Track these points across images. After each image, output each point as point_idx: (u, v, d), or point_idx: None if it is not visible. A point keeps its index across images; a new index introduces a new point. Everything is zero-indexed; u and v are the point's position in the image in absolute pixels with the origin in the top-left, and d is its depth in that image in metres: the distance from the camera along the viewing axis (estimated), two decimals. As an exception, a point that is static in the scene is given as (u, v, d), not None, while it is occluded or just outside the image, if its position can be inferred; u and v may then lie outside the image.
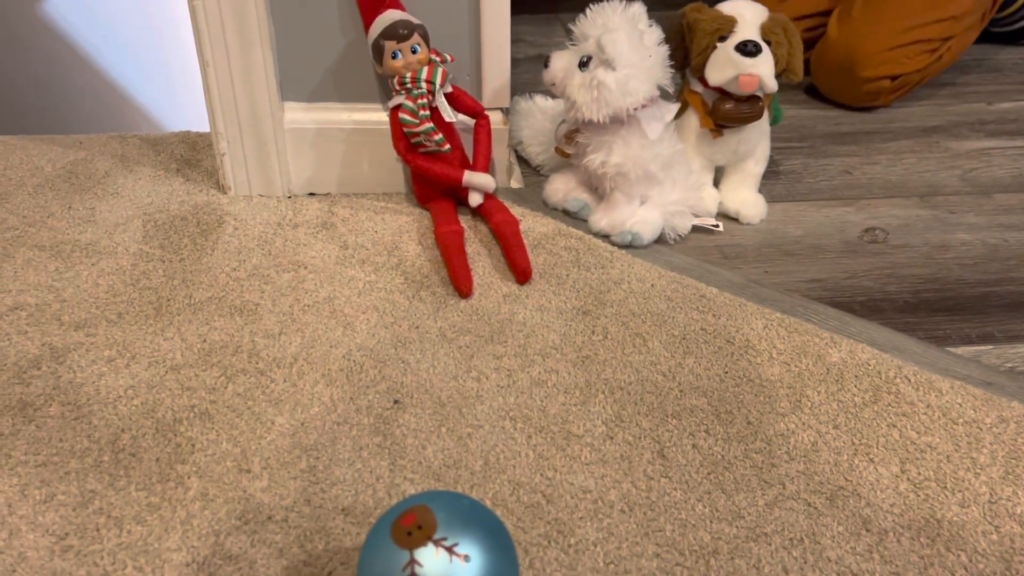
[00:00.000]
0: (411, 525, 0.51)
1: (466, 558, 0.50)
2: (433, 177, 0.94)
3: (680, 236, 0.97)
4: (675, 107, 0.93)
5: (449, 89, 0.93)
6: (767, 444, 0.71)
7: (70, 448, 0.69)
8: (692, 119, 0.99)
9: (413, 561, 0.50)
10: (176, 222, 0.97)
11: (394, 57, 0.89)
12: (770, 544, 0.63)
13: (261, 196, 1.01)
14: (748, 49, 0.92)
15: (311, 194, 1.02)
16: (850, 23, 1.24)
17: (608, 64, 0.86)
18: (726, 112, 0.95)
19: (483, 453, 0.70)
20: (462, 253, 0.89)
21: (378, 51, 0.90)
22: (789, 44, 0.95)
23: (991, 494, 0.67)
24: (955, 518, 0.65)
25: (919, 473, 0.69)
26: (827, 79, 1.28)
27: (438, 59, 0.91)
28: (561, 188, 1.00)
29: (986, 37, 1.40)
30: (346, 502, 0.65)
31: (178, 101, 1.94)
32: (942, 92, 1.32)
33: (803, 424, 0.73)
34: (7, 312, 0.83)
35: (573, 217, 0.99)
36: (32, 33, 1.77)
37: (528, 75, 1.34)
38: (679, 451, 0.70)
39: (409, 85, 0.89)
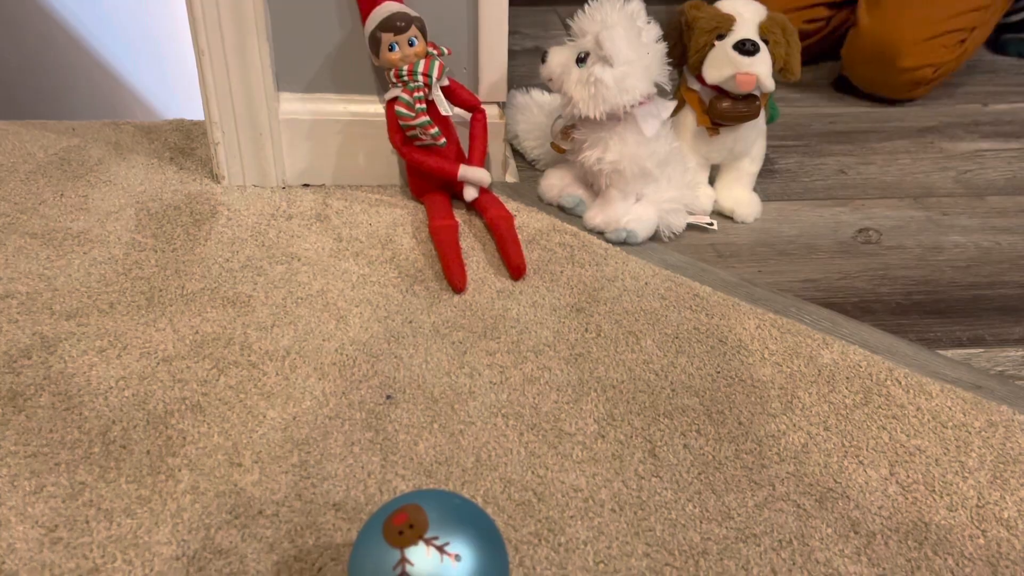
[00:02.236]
0: (403, 524, 0.51)
1: (457, 557, 0.50)
2: (428, 171, 0.94)
3: (675, 234, 0.97)
4: (672, 105, 0.93)
5: (446, 82, 0.92)
6: (758, 445, 0.71)
7: (60, 439, 0.69)
8: (689, 117, 0.99)
9: (404, 560, 0.50)
10: (169, 211, 0.96)
11: (391, 49, 0.88)
12: (759, 545, 0.63)
13: (255, 186, 1.01)
14: (746, 48, 0.92)
15: (305, 185, 1.02)
16: (882, 11, 1.21)
17: (606, 61, 0.86)
18: (723, 110, 0.95)
19: (475, 450, 0.70)
20: (456, 248, 0.89)
21: (375, 43, 0.89)
22: (787, 43, 0.95)
23: (979, 498, 0.67)
24: (943, 522, 0.65)
25: (908, 476, 0.69)
26: (862, 70, 1.25)
27: (435, 52, 0.91)
28: (557, 184, 1.00)
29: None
30: (337, 497, 0.65)
31: (173, 87, 1.93)
32: (938, 93, 1.32)
33: (794, 425, 0.73)
34: (-2, 300, 0.82)
35: (568, 213, 0.99)
36: (25, 15, 1.75)
37: (524, 68, 1.33)
38: (670, 451, 0.70)
39: (406, 78, 0.89)
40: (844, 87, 1.33)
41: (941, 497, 0.67)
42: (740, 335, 0.82)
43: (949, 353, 0.83)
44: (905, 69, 1.20)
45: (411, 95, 0.89)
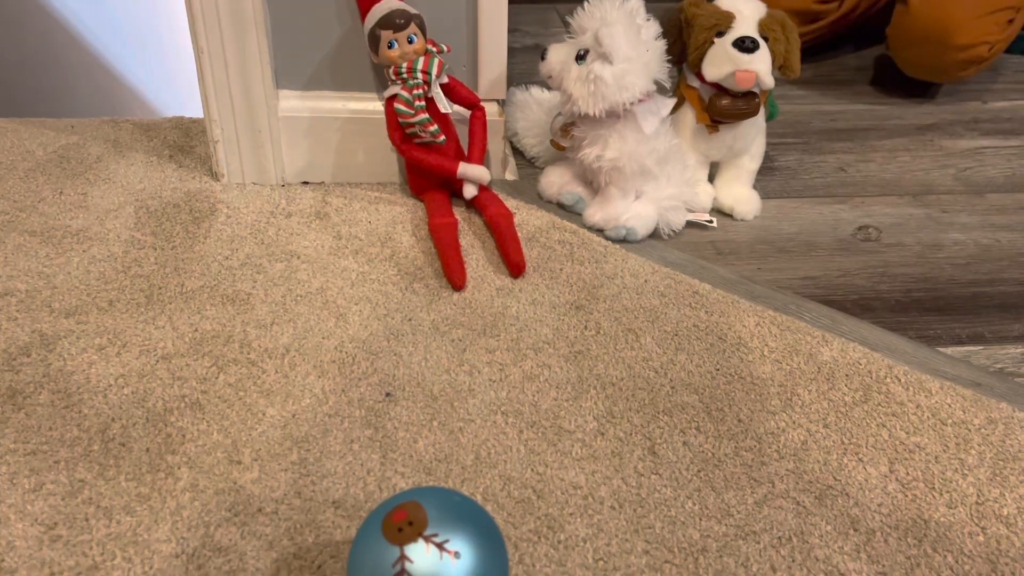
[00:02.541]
0: (402, 521, 0.51)
1: (456, 555, 0.50)
2: (428, 168, 0.94)
3: (674, 231, 0.97)
4: (671, 102, 0.93)
5: (445, 80, 0.92)
6: (757, 442, 0.71)
7: (60, 437, 0.69)
8: (688, 114, 0.99)
9: (403, 557, 0.50)
10: (168, 209, 0.96)
11: (390, 47, 0.88)
12: (759, 542, 0.63)
13: (254, 184, 1.01)
14: (746, 45, 0.92)
15: (305, 183, 1.02)
16: None
17: (605, 58, 0.86)
18: (722, 108, 0.95)
19: (474, 447, 0.70)
20: (456, 245, 0.89)
21: (374, 40, 0.89)
22: (787, 40, 0.95)
23: (978, 495, 0.67)
24: (942, 519, 0.65)
25: (907, 473, 0.69)
26: (912, 51, 1.21)
27: (435, 49, 0.90)
28: (556, 181, 1.00)
29: None
30: (337, 495, 0.65)
31: (172, 85, 1.93)
32: (938, 90, 1.32)
33: (793, 423, 0.73)
34: (-3, 298, 0.82)
35: (567, 211, 0.99)
36: (25, 13, 1.75)
37: (524, 65, 1.33)
38: (670, 448, 0.70)
39: (405, 75, 0.89)
40: (882, 80, 1.32)
41: (941, 494, 0.67)
42: (739, 332, 0.82)
43: (949, 350, 0.83)
44: (960, 47, 1.15)
45: (410, 92, 0.89)
